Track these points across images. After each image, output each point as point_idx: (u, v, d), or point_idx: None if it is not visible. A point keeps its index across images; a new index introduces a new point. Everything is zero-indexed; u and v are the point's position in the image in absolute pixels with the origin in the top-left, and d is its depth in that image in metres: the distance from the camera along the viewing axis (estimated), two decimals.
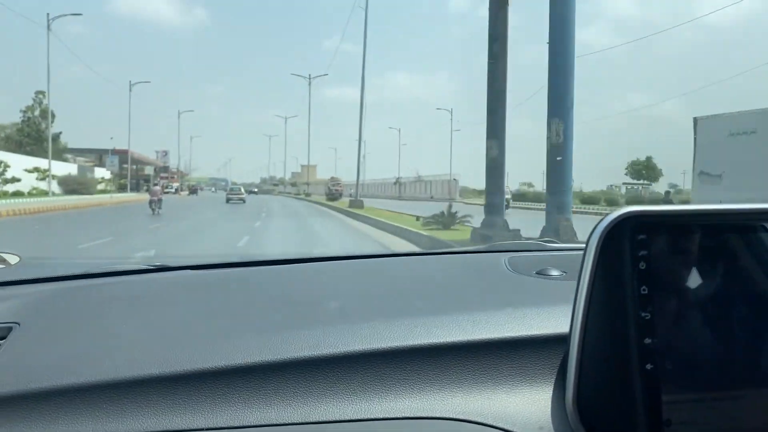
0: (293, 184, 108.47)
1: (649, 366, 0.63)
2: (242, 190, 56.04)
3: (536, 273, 1.08)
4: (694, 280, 0.66)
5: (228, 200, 48.57)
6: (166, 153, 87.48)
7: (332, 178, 62.48)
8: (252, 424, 0.72)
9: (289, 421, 0.72)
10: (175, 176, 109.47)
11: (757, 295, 0.67)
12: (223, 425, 0.72)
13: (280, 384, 0.75)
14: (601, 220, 0.65)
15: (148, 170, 72.27)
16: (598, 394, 0.65)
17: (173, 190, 66.06)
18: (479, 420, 0.73)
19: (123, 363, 0.76)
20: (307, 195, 64.56)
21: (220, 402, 0.73)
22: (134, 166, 69.90)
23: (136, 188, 63.52)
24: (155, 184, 35.24)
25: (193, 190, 73.08)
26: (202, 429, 0.71)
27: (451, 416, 0.73)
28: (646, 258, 0.64)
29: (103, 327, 0.93)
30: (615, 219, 0.65)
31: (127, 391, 0.73)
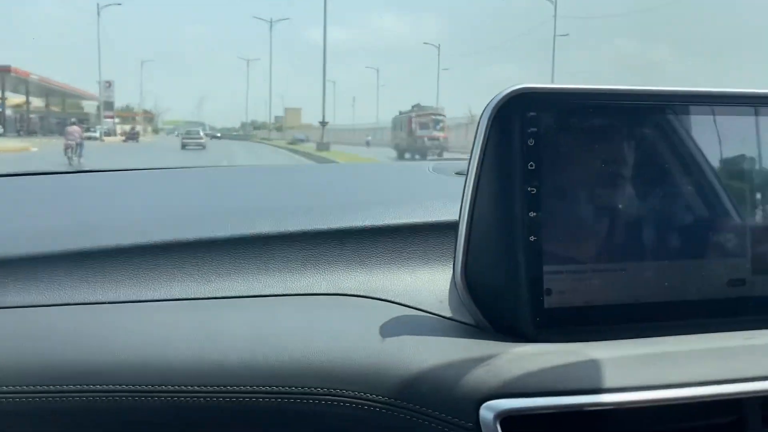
0: (278, 129, 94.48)
1: (532, 238, 0.66)
2: (201, 133, 44.51)
3: (456, 173, 1.13)
4: (581, 157, 0.68)
5: (184, 146, 40.14)
6: (109, 84, 65.69)
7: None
8: (157, 298, 0.75)
9: (196, 296, 0.76)
10: (136, 118, 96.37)
11: (640, 175, 0.69)
12: (129, 299, 0.75)
13: (187, 263, 0.79)
14: (494, 96, 0.66)
15: (89, 107, 59.75)
16: (485, 265, 0.68)
17: (97, 135, 47.84)
18: (379, 296, 0.77)
19: (34, 241, 0.80)
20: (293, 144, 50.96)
21: (126, 278, 0.77)
22: (61, 101, 57.66)
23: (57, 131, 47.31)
24: (72, 123, 23.83)
25: (131, 135, 53.26)
26: (108, 302, 0.75)
27: (352, 293, 0.78)
28: (535, 135, 0.66)
29: (15, 211, 0.99)
30: (506, 95, 0.65)
31: (28, 266, 0.77)
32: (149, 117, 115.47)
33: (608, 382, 0.62)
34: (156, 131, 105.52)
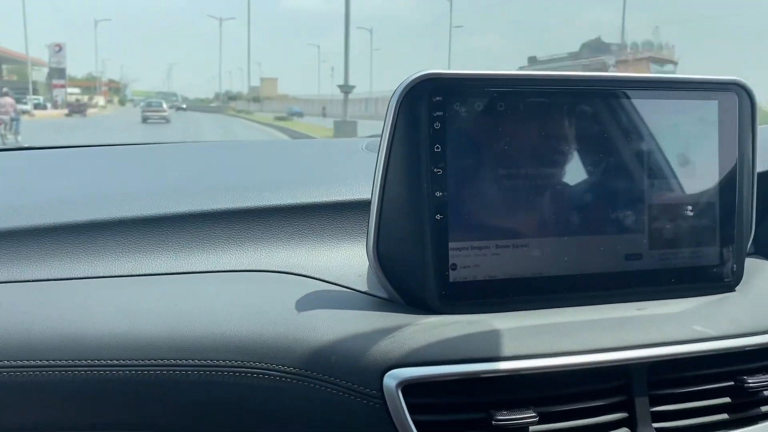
0: (256, 99, 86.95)
1: (438, 216, 0.70)
2: (164, 105, 38.41)
3: None
4: (485, 140, 0.71)
5: (145, 119, 35.26)
6: (59, 48, 55.53)
7: None
8: (79, 276, 0.77)
9: (119, 274, 0.78)
10: (105, 88, 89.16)
11: (541, 156, 0.73)
12: (51, 276, 0.77)
13: (110, 241, 0.80)
14: (402, 82, 0.69)
15: (37, 74, 52.42)
16: (395, 242, 0.71)
17: (28, 107, 35.90)
18: (301, 272, 0.80)
19: None
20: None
21: (49, 256, 0.78)
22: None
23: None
24: (4, 94, 18.23)
25: (77, 108, 41.45)
26: (31, 280, 0.76)
27: (274, 269, 0.80)
28: (441, 118, 0.69)
29: None
30: (413, 81, 0.69)
31: None
32: (115, 87, 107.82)
33: (504, 351, 0.66)
34: (122, 102, 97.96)
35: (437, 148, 0.69)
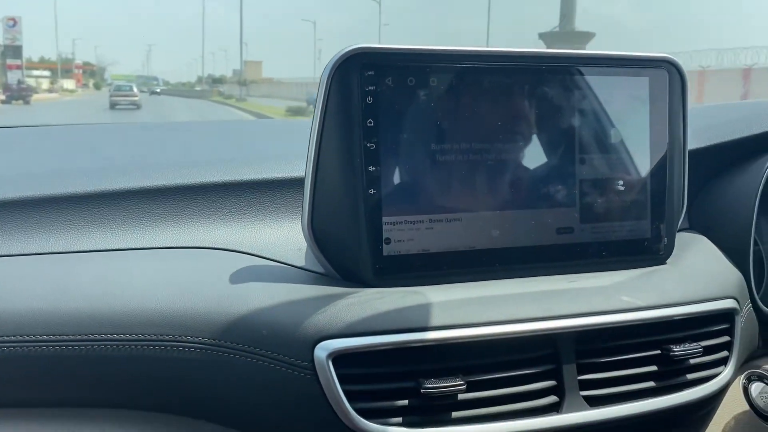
0: (242, 83, 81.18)
1: (372, 191, 0.70)
2: (134, 89, 33.39)
3: None
4: (417, 115, 0.71)
5: (113, 105, 31.51)
6: (14, 23, 47.09)
7: None
8: (10, 253, 0.76)
9: (50, 251, 0.77)
10: (78, 71, 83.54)
11: (473, 131, 0.73)
12: None
13: (44, 218, 0.80)
14: (333, 56, 0.69)
15: None
16: (330, 217, 0.72)
17: None
18: (239, 249, 0.80)
19: None
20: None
21: None
22: None
23: None
24: None
25: (18, 92, 32.75)
26: None
27: (209, 246, 0.80)
28: (373, 93, 0.69)
29: None
30: (344, 54, 0.68)
31: None
32: (89, 70, 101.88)
33: (433, 321, 0.67)
34: (98, 86, 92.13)
35: (370, 122, 0.69)
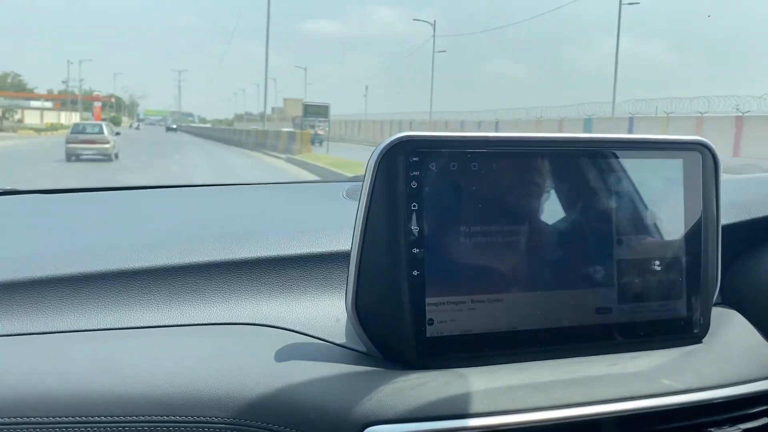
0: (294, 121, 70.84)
1: (416, 272, 0.72)
2: (104, 131, 23.32)
3: None
4: (461, 199, 0.74)
5: (70, 156, 21.76)
6: None
7: None
8: (61, 329, 0.77)
9: (99, 327, 0.78)
10: (98, 104, 75.33)
11: (512, 213, 0.76)
12: (31, 330, 0.76)
13: (92, 294, 0.81)
14: (381, 143, 0.72)
15: None
16: (374, 297, 0.73)
17: None
18: (276, 324, 0.81)
19: None
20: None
21: (30, 310, 0.78)
22: None
23: None
24: None
25: None
26: (11, 334, 0.76)
27: (252, 322, 0.81)
28: (418, 178, 0.71)
29: None
30: (391, 142, 0.71)
31: None
32: (108, 102, 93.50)
33: (480, 407, 0.68)
34: (116, 122, 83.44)
35: (414, 206, 0.71)
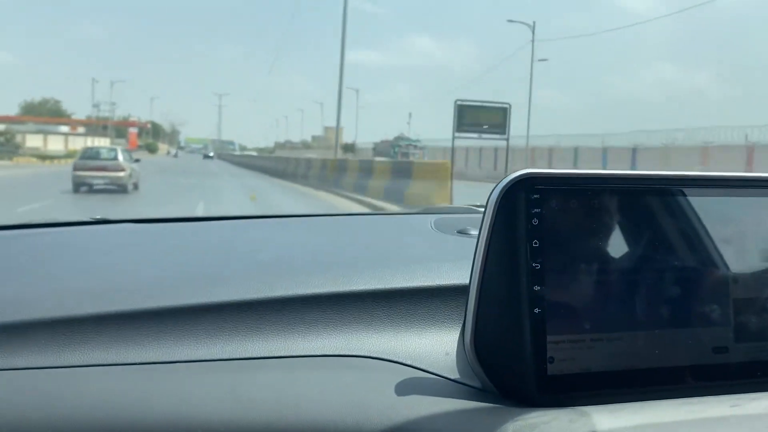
0: (348, 149, 67.49)
1: (537, 310, 0.71)
2: (119, 155, 19.36)
3: (457, 232, 1.19)
4: (580, 236, 0.74)
5: (78, 186, 18.51)
6: None
7: None
8: (181, 359, 0.79)
9: (217, 357, 0.80)
10: (133, 130, 72.41)
11: (633, 251, 0.76)
12: (154, 360, 0.79)
13: (210, 325, 0.83)
14: (501, 180, 0.73)
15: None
16: (493, 334, 0.73)
17: None
18: (389, 357, 0.82)
19: (55, 304, 0.83)
20: None
21: (151, 340, 0.81)
22: None
23: None
24: None
25: None
26: (134, 363, 0.78)
27: (364, 354, 0.82)
28: (539, 215, 0.72)
29: (40, 271, 1.01)
30: (512, 179, 0.72)
31: (60, 327, 0.80)
32: (144, 128, 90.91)
33: None
34: (152, 149, 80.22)
35: (535, 243, 0.71)
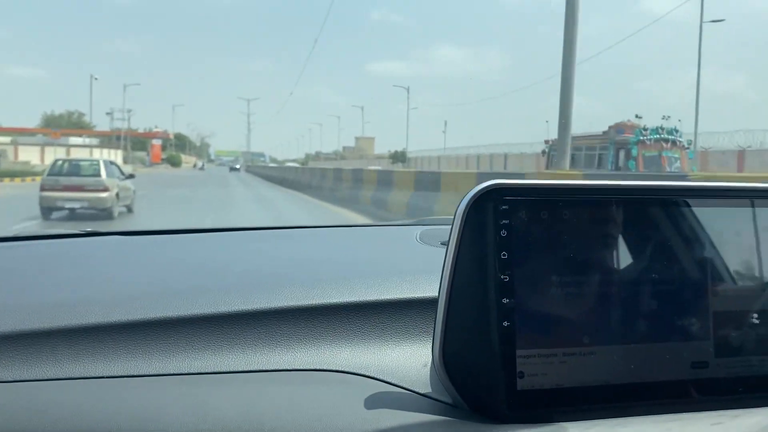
0: (399, 158, 63.60)
1: (506, 323, 0.70)
2: (101, 170, 14.52)
3: (441, 243, 1.16)
4: (550, 247, 0.72)
5: (47, 211, 13.67)
6: None
7: None
8: (150, 373, 0.78)
9: (186, 371, 0.79)
10: (156, 142, 68.89)
11: (605, 263, 0.74)
12: (123, 374, 0.78)
13: (180, 338, 0.82)
14: (470, 191, 0.71)
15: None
16: (462, 347, 0.71)
17: None
18: (362, 372, 0.80)
19: (32, 314, 0.83)
20: None
21: (121, 353, 0.80)
22: None
23: None
24: None
25: None
26: (102, 377, 0.77)
27: (336, 368, 0.81)
28: (507, 226, 0.70)
29: (24, 282, 1.01)
30: (480, 190, 0.70)
31: (33, 340, 0.79)
32: (166, 139, 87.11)
33: None
34: (175, 163, 76.45)
35: (504, 255, 0.70)
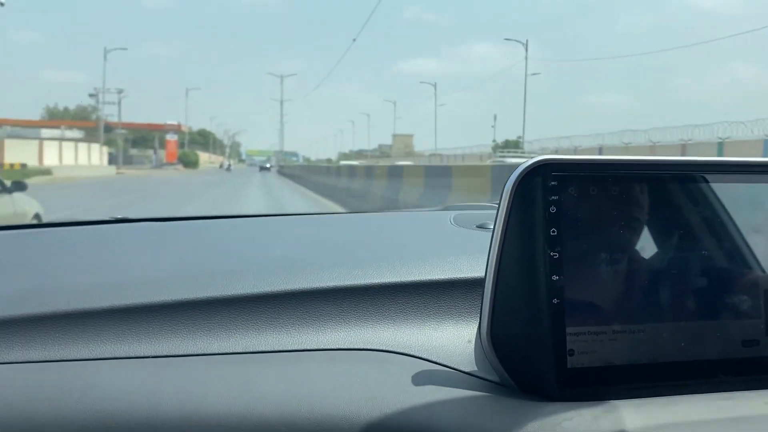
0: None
1: (555, 300, 0.68)
2: None
3: (477, 226, 1.17)
4: (600, 223, 0.70)
5: None
6: None
7: None
8: (195, 353, 0.79)
9: (232, 351, 0.79)
10: (170, 138, 60.78)
11: (657, 239, 0.72)
12: (167, 353, 0.78)
13: (225, 318, 0.82)
14: (518, 167, 0.70)
15: None
16: (510, 326, 0.70)
17: None
18: (404, 351, 0.80)
19: (72, 298, 0.84)
20: None
21: (165, 333, 0.80)
22: None
23: None
24: None
25: None
26: (149, 356, 0.78)
27: (379, 348, 0.81)
28: (557, 202, 0.69)
29: (58, 266, 1.02)
30: (529, 166, 0.69)
31: (75, 321, 0.80)
32: (177, 130, 78.65)
33: None
34: (189, 162, 68.03)
35: (553, 231, 0.68)
